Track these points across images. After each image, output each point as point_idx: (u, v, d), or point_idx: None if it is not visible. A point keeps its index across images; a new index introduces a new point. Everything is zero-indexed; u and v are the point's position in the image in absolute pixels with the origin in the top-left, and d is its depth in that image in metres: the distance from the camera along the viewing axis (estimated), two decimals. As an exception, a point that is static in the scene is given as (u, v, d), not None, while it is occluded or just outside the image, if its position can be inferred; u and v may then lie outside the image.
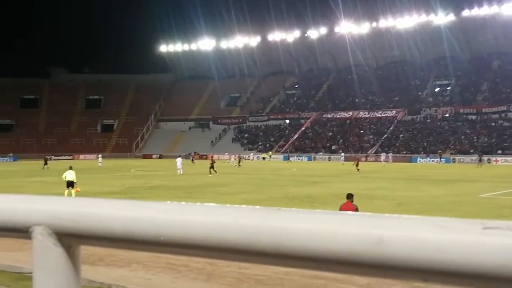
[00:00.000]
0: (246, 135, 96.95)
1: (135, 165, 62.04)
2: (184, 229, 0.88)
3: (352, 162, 51.44)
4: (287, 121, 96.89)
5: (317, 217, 0.81)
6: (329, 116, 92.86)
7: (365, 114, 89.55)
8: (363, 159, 66.41)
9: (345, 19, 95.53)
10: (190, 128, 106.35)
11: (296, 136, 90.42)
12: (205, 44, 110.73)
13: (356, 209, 11.94)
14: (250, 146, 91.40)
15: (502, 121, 76.68)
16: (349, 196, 12.81)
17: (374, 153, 75.32)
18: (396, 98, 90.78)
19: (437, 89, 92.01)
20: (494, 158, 65.88)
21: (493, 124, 76.79)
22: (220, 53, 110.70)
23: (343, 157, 72.03)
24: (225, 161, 67.70)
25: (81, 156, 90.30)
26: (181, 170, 42.56)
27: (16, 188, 30.24)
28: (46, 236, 1.00)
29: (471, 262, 0.68)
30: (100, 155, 68.96)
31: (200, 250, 0.88)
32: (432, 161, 69.10)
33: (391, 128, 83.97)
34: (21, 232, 1.04)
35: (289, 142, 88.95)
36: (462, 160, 67.69)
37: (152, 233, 0.91)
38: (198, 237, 0.87)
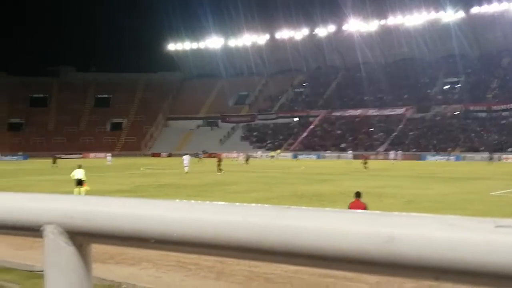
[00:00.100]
0: (255, 134, 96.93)
1: (144, 163, 62.16)
2: (193, 227, 0.89)
3: (360, 160, 51.31)
4: (296, 119, 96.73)
5: (326, 216, 0.81)
6: (338, 114, 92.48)
7: (374, 112, 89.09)
8: (372, 157, 66.13)
9: (354, 16, 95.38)
10: (198, 126, 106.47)
11: (305, 134, 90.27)
12: (213, 42, 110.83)
13: (365, 207, 11.93)
14: (259, 144, 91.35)
15: (512, 119, 76.23)
16: (358, 194, 12.80)
17: (384, 151, 75.04)
18: (405, 96, 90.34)
19: (446, 87, 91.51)
20: (504, 156, 65.44)
21: (503, 121, 76.25)
22: (228, 51, 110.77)
23: (351, 155, 71.85)
24: (233, 159, 67.71)
25: (91, 155, 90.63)
26: (187, 168, 42.44)
27: (26, 187, 30.37)
28: (58, 234, 1.01)
29: (483, 261, 0.68)
30: (109, 154, 69.25)
31: (209, 248, 0.89)
32: (442, 159, 68.78)
33: (401, 126, 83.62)
34: (32, 230, 1.04)
35: (298, 140, 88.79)
36: (472, 157, 67.30)
37: (161, 231, 0.91)
38: (208, 235, 0.87)
